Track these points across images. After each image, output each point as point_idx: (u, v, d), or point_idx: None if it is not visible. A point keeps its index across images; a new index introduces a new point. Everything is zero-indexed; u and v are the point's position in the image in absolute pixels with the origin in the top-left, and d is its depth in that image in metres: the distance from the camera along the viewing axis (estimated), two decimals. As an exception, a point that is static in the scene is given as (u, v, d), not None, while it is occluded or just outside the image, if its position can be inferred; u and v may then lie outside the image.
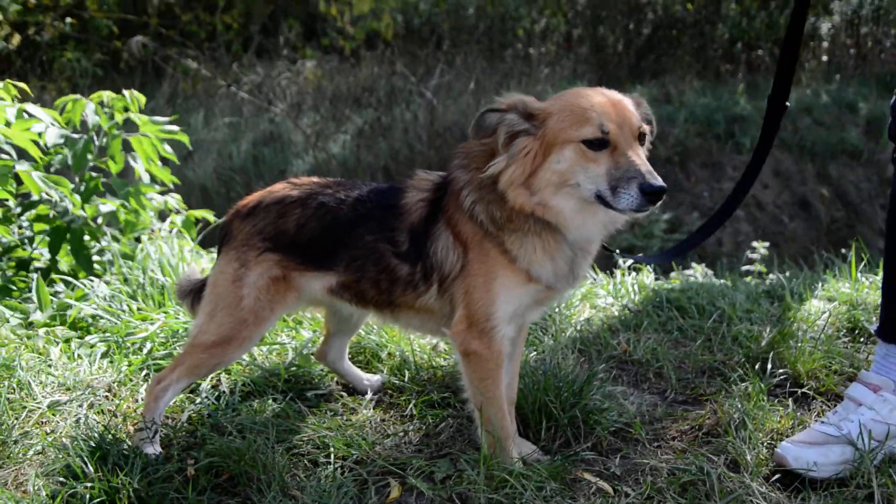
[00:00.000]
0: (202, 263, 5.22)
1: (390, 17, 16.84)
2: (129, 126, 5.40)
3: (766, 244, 7.24)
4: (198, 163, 12.69)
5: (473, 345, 2.91)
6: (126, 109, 5.31)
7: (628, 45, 17.72)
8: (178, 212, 5.81)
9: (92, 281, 4.77)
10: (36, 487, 2.83)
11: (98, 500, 2.70)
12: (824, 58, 17.56)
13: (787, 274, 5.41)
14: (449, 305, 3.00)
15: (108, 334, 4.16)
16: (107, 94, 5.28)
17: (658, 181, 2.56)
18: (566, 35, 18.01)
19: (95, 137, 5.27)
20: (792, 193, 12.94)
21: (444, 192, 3.00)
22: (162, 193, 5.75)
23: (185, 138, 5.35)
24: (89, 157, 5.12)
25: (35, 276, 4.66)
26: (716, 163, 13.37)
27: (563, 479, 2.92)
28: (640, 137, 2.74)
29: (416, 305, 3.10)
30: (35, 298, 4.53)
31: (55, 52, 14.91)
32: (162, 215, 6.00)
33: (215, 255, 3.65)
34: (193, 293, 3.48)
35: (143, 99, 5.34)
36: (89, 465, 2.82)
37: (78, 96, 5.22)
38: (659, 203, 2.62)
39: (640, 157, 2.65)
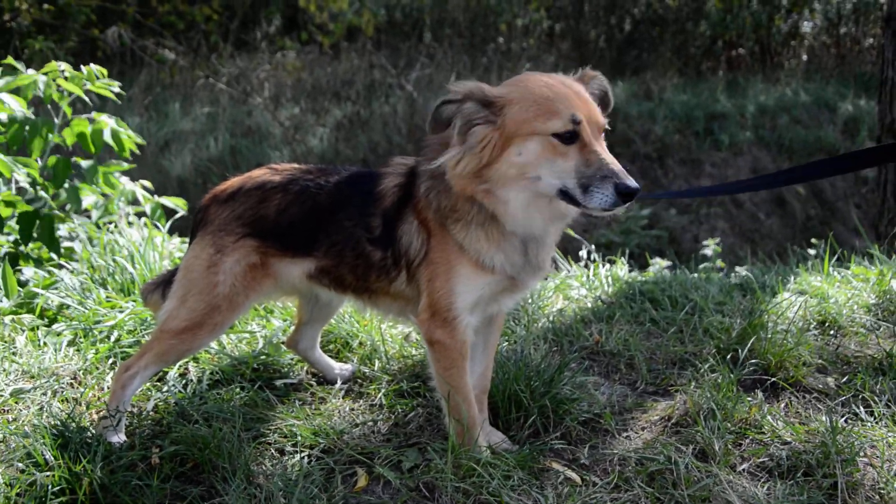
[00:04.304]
0: (173, 253, 5.16)
1: (370, 13, 16.71)
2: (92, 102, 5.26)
3: (717, 240, 7.27)
4: (175, 153, 12.58)
5: (437, 334, 2.89)
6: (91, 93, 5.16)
7: (610, 41, 17.74)
8: (152, 193, 5.73)
9: (60, 268, 4.70)
10: (-5, 475, 2.78)
11: (58, 487, 2.65)
12: (804, 57, 17.68)
13: (759, 268, 5.42)
14: (417, 292, 2.98)
15: (75, 322, 4.10)
16: (64, 65, 5.06)
17: (633, 182, 2.51)
18: (548, 30, 18.01)
19: (55, 116, 5.14)
20: (769, 191, 12.98)
21: (416, 177, 2.98)
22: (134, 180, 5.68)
23: (131, 144, 5.20)
24: (50, 136, 4.99)
25: (1, 262, 4.57)
26: (695, 159, 13.42)
27: (530, 469, 2.90)
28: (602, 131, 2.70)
29: (391, 291, 3.08)
30: (1, 285, 4.46)
31: (28, 40, 14.69)
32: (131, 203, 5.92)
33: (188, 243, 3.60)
34: (162, 285, 3.42)
35: (104, 72, 5.16)
36: (50, 452, 2.77)
37: (35, 72, 4.99)
38: (629, 204, 2.55)
39: (608, 153, 2.61)
